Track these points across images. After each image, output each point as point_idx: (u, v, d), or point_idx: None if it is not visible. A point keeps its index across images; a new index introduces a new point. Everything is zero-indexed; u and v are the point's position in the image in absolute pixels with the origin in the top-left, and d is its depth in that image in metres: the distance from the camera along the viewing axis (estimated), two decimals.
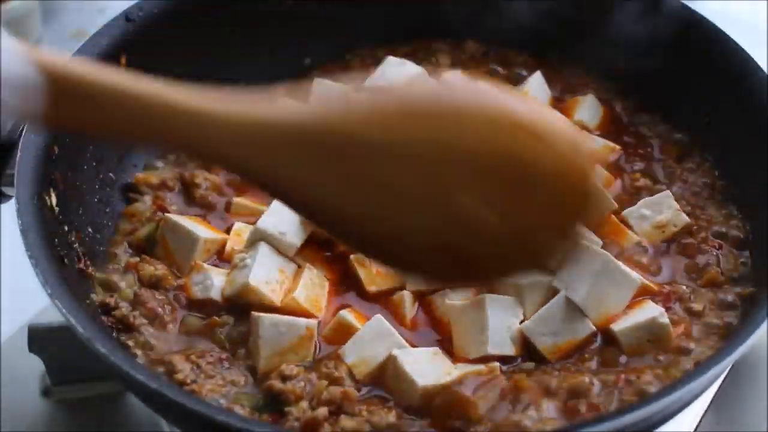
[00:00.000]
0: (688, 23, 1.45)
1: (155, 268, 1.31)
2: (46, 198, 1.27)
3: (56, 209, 1.28)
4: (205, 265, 1.30)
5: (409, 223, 0.94)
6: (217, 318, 1.27)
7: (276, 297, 1.26)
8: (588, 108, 1.49)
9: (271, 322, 1.22)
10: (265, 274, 1.26)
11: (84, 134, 1.25)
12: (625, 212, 1.35)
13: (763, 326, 1.14)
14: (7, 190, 1.30)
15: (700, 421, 1.41)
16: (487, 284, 1.23)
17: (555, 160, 0.94)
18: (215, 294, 1.28)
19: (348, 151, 0.92)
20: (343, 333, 1.24)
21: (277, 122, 0.92)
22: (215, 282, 1.28)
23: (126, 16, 1.42)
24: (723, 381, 1.43)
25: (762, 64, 1.38)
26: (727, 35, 1.42)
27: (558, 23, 1.52)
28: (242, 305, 1.26)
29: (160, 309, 1.27)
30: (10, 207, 1.24)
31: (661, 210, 1.35)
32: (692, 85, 1.45)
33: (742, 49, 1.40)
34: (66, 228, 1.29)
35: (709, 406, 1.42)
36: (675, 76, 1.47)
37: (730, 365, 1.20)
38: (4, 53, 0.82)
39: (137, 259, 1.33)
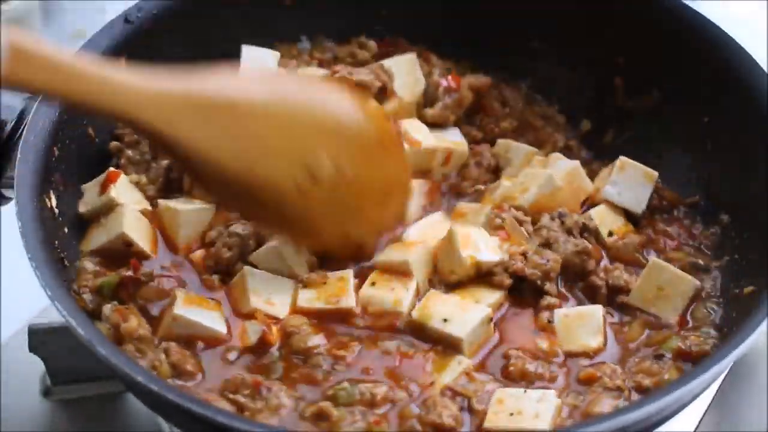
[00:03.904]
0: (688, 23, 1.45)
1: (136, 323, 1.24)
2: (46, 200, 1.27)
3: (56, 211, 1.29)
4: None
5: (273, 168, 1.22)
6: None
7: None
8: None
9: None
10: None
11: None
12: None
13: (763, 326, 1.14)
14: (7, 192, 1.31)
15: (700, 421, 1.41)
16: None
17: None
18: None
19: (230, 111, 1.20)
20: None
21: (180, 90, 1.17)
22: None
23: (125, 17, 1.42)
24: (723, 381, 1.43)
25: (762, 64, 1.38)
26: (728, 35, 1.42)
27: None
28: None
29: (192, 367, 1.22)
30: (10, 209, 1.24)
31: None
32: (692, 85, 1.45)
33: (743, 49, 1.40)
34: (66, 230, 1.30)
35: (709, 406, 1.42)
36: (675, 76, 1.47)
37: (730, 365, 1.20)
38: None
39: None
